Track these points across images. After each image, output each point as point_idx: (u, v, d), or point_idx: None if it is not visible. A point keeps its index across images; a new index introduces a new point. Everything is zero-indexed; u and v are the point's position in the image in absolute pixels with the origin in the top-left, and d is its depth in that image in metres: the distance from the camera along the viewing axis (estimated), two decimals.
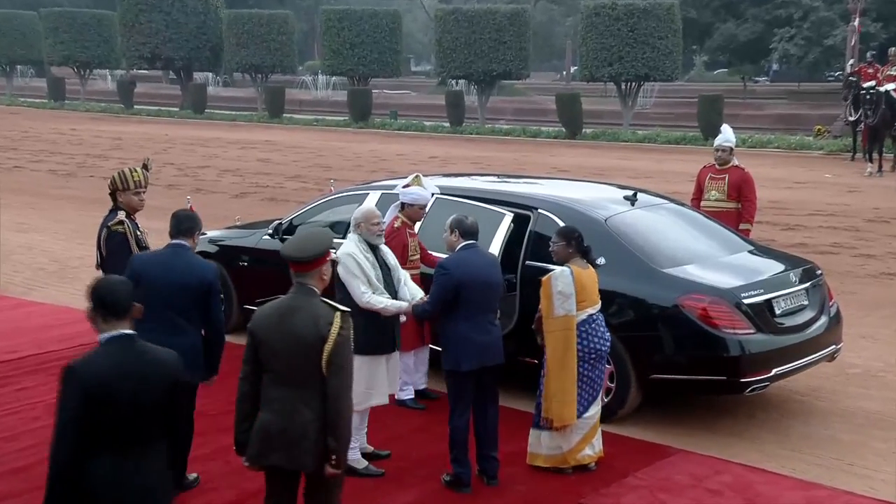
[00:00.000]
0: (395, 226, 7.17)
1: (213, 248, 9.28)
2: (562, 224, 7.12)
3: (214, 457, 6.33)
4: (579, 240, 6.21)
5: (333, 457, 4.27)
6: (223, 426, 6.43)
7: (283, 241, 8.57)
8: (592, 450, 6.21)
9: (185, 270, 5.59)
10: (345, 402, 4.29)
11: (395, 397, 6.83)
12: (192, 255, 5.73)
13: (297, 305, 4.35)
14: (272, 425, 4.32)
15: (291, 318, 4.32)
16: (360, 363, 6.04)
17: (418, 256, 7.33)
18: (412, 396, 7.30)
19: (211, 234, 9.68)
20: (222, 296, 9.03)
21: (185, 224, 5.77)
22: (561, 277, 6.05)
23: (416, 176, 7.31)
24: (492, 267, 6.05)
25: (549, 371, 6.06)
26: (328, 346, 4.22)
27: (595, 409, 6.21)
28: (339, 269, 5.96)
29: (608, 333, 6.25)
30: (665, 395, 7.29)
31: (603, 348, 6.19)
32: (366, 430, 6.30)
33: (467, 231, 6.04)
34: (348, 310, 4.39)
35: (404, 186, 7.26)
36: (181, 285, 5.53)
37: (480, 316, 5.91)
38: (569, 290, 6.01)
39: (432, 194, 7.49)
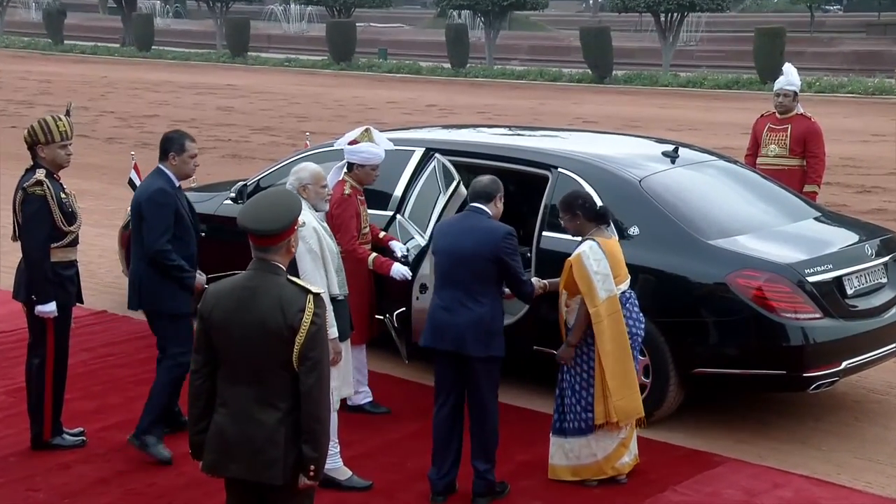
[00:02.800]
0: (345, 192, 7.02)
1: None
2: (587, 186, 7.13)
3: (165, 466, 6.38)
4: (585, 206, 6.22)
5: (312, 467, 4.29)
6: None
7: None
8: (630, 456, 6.26)
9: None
10: (323, 402, 4.30)
11: (349, 402, 6.86)
12: (153, 178, 6.60)
13: (258, 286, 4.31)
14: (228, 430, 4.34)
15: (252, 301, 4.29)
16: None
17: (369, 229, 7.33)
18: (370, 399, 7.30)
19: None
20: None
21: (161, 147, 6.66)
22: (592, 254, 6.07)
23: (367, 129, 7.21)
24: (464, 235, 5.95)
25: (607, 367, 6.05)
26: (300, 338, 4.22)
27: None
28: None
29: (641, 314, 6.29)
30: (712, 393, 7.32)
31: (639, 333, 6.23)
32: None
33: (472, 193, 6.17)
34: (321, 291, 4.37)
35: (351, 143, 7.13)
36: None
37: (447, 291, 6.00)
38: (604, 266, 6.04)
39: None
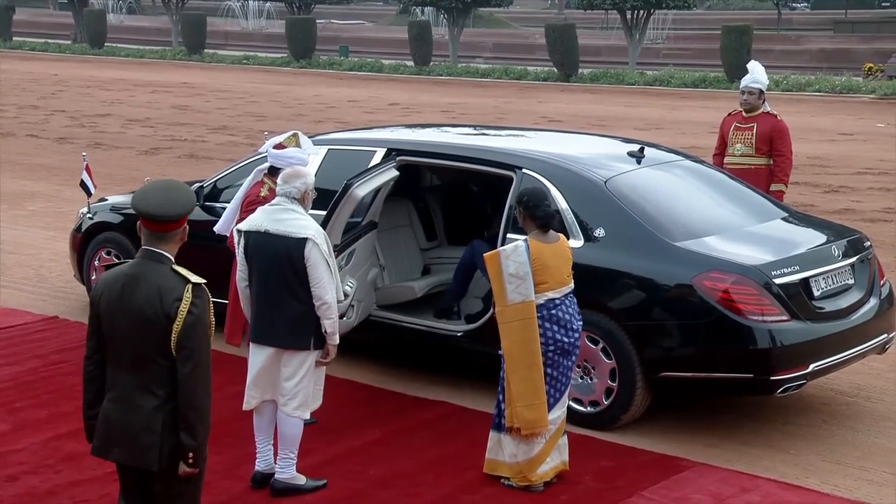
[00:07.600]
0: (262, 194, 7.07)
1: (116, 218, 9.22)
2: (552, 187, 7.15)
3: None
4: (528, 204, 6.25)
5: (190, 455, 4.46)
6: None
7: (204, 208, 8.53)
8: (553, 462, 6.25)
9: None
10: (199, 391, 4.45)
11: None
12: None
13: (140, 274, 4.51)
14: (112, 415, 4.55)
15: (133, 289, 4.48)
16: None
17: None
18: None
19: (113, 199, 9.62)
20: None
21: None
22: (514, 255, 6.09)
23: (294, 134, 7.25)
24: None
25: (510, 371, 6.12)
26: (177, 326, 4.40)
27: (558, 413, 6.25)
28: (313, 253, 5.92)
29: (578, 322, 6.27)
30: (679, 396, 7.36)
31: (566, 340, 6.19)
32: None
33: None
34: (202, 281, 4.49)
35: (276, 147, 7.16)
36: None
37: None
38: (523, 270, 6.06)
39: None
